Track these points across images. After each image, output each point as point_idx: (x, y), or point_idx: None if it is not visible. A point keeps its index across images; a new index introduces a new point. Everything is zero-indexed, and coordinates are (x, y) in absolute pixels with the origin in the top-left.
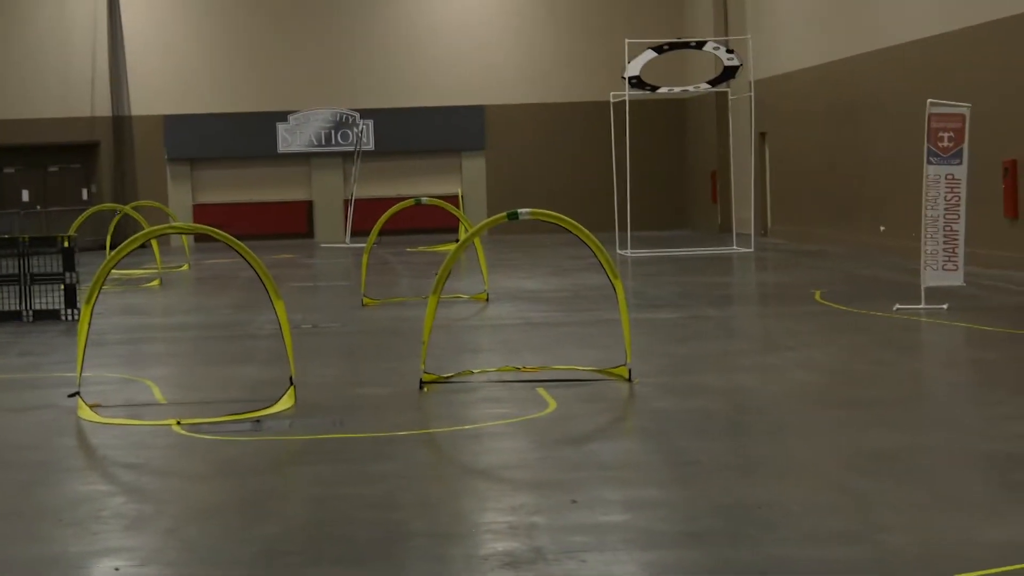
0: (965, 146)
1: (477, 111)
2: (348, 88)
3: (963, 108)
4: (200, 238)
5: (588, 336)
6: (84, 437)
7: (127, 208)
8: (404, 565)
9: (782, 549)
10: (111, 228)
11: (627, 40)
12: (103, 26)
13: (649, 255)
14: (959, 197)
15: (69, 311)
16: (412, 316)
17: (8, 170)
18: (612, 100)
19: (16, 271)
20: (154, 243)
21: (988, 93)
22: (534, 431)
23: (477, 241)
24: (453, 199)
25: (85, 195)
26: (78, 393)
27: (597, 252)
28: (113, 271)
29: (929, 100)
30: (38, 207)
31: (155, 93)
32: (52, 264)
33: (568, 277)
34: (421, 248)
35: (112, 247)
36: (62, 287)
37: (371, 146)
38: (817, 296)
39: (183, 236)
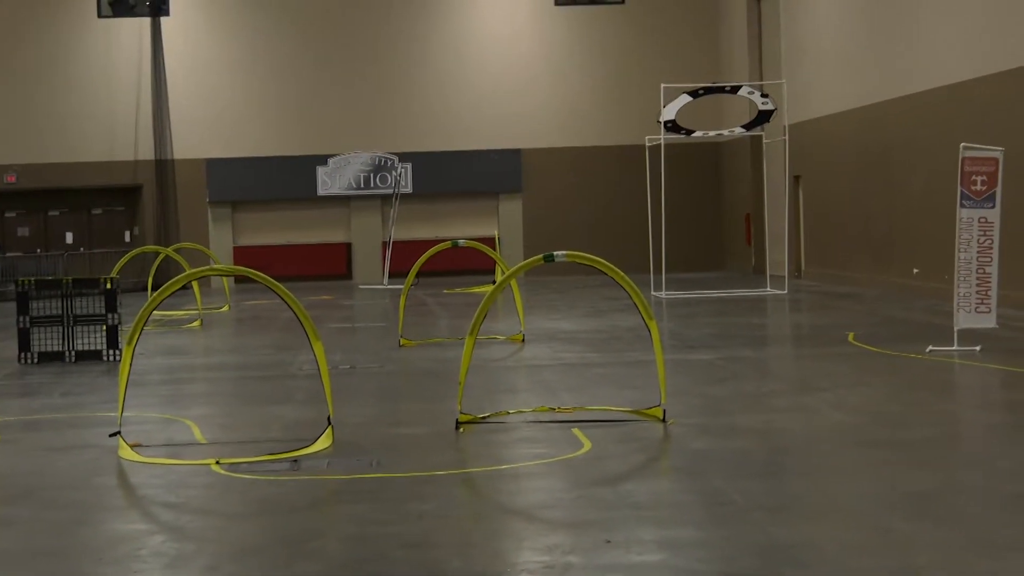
0: (998, 189)
1: (514, 154)
2: (387, 132)
3: (996, 152)
4: (240, 279)
5: (623, 377)
6: (124, 476)
7: (169, 250)
8: None
9: None
10: (153, 270)
11: (663, 85)
12: (147, 71)
13: (684, 296)
14: (992, 240)
15: (111, 352)
16: (449, 357)
17: (53, 213)
18: (648, 144)
19: (60, 312)
20: (195, 285)
21: (1020, 137)
22: (569, 471)
23: (514, 283)
24: (490, 241)
25: (128, 237)
26: (119, 433)
27: (632, 293)
28: (155, 312)
29: (962, 144)
30: (82, 249)
31: (197, 137)
32: (95, 305)
33: (604, 318)
34: (458, 290)
35: (154, 289)
36: (104, 328)
37: (409, 189)
38: (851, 338)
39: (223, 278)
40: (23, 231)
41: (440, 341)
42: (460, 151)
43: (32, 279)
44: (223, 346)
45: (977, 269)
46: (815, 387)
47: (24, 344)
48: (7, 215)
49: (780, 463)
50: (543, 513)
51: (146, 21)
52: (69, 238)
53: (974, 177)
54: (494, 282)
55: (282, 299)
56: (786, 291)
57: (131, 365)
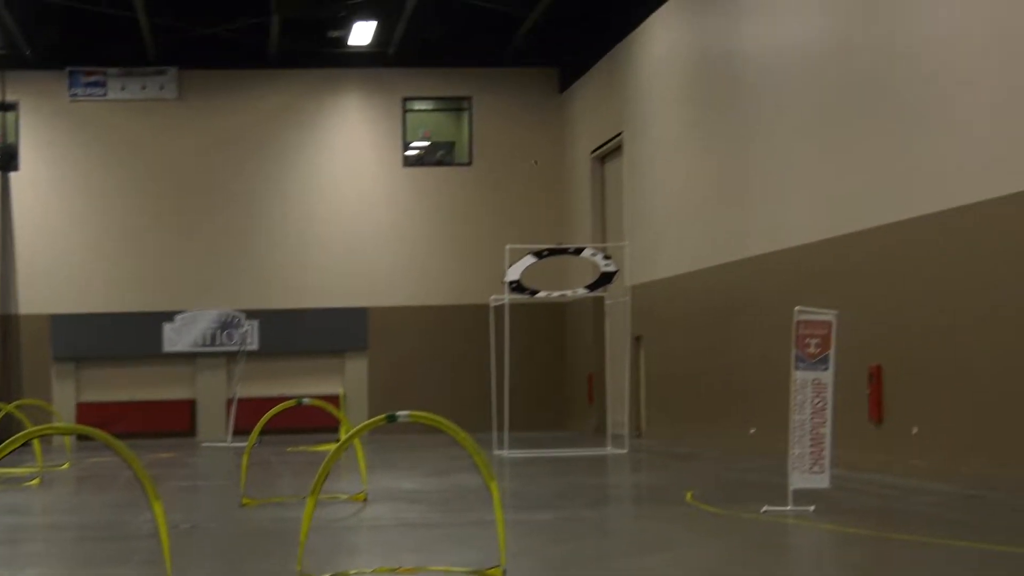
0: (831, 352)
1: (360, 313)
2: (234, 289)
3: (829, 315)
4: (82, 437)
5: (465, 537)
6: None
7: (10, 407)
8: None
9: None
10: None
11: (508, 246)
12: None
13: (526, 456)
14: (825, 401)
15: None
16: (291, 516)
17: None
18: (493, 304)
19: None
20: (35, 442)
21: (854, 300)
22: None
23: (357, 441)
24: (335, 399)
25: None
26: None
27: (473, 453)
28: None
29: (797, 307)
30: None
31: (43, 291)
32: None
33: (446, 478)
34: (302, 448)
35: None
36: None
37: (255, 346)
38: (689, 497)
39: (65, 435)
40: None
41: (282, 500)
42: (306, 309)
43: None
44: (62, 505)
45: (811, 430)
46: (654, 547)
47: None
48: None
49: None
50: None
51: None
52: None
53: (808, 340)
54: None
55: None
56: (626, 450)
57: None
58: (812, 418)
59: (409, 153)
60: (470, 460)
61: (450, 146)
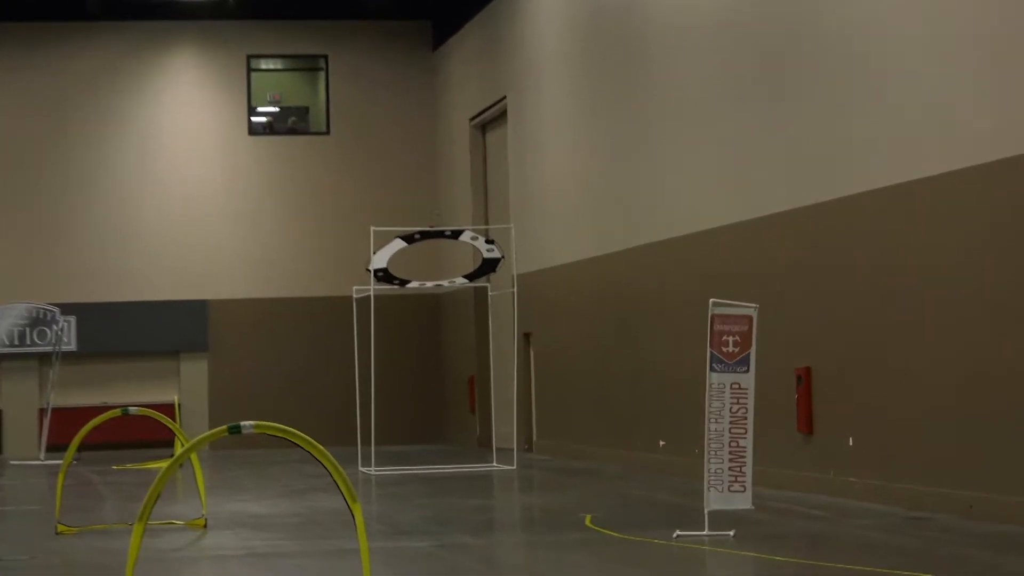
0: (752, 351)
1: (199, 307)
2: (47, 279)
3: (750, 309)
4: None
5: (324, 569)
6: None
7: None
8: None
9: None
10: None
11: (373, 228)
12: None
13: (397, 473)
14: (746, 409)
15: None
16: (116, 547)
17: None
18: (355, 296)
19: None
20: None
21: (777, 292)
22: None
23: (195, 457)
24: (168, 409)
25: None
26: None
27: (332, 471)
28: None
29: (712, 300)
30: None
31: None
32: None
33: (301, 500)
34: (129, 465)
35: None
36: None
37: (73, 346)
38: (588, 521)
39: None
40: None
41: (106, 528)
42: (134, 302)
43: None
44: None
45: (730, 442)
46: None
47: None
48: None
49: None
50: None
51: None
52: None
53: (725, 337)
54: (172, 456)
55: None
56: (515, 466)
57: None
58: (731, 428)
59: (255, 120)
60: (329, 478)
61: (303, 112)
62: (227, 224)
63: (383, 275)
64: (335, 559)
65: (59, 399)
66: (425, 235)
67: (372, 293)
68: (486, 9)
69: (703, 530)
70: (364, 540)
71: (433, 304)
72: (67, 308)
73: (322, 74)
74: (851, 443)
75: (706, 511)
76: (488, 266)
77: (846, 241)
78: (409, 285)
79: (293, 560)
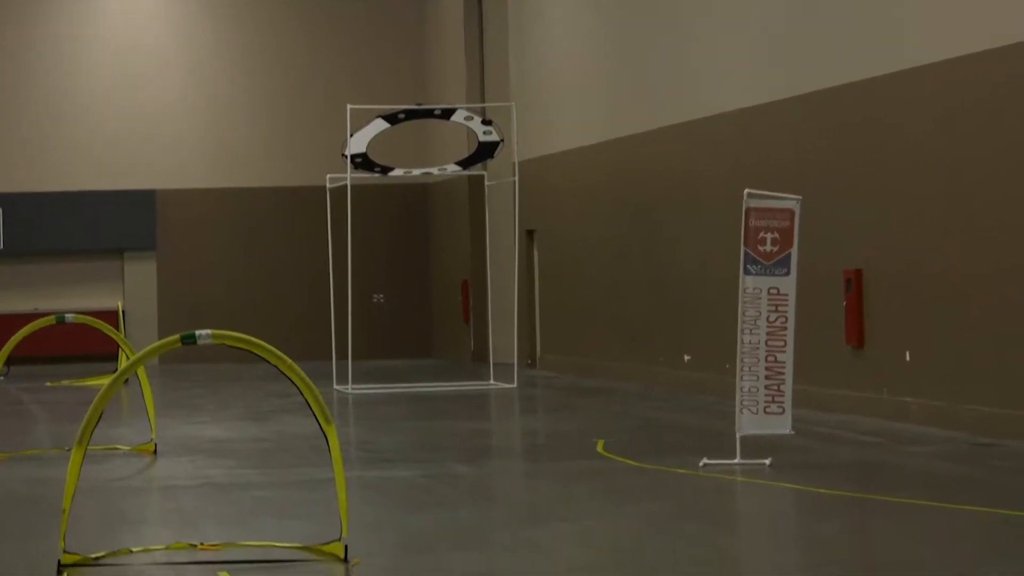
0: (794, 251)
1: (145, 198)
2: None
3: (791, 202)
4: None
5: (292, 502)
6: None
7: None
8: None
9: None
10: None
11: (350, 106)
12: None
13: (378, 392)
14: (786, 318)
15: None
16: (51, 476)
17: None
18: (330, 185)
19: None
20: None
21: (824, 182)
22: None
23: (142, 372)
24: (111, 316)
25: None
26: None
27: (303, 388)
28: None
29: (747, 191)
30: None
31: None
32: None
33: (267, 422)
34: (66, 382)
35: None
36: None
37: None
38: (600, 447)
39: None
40: None
41: (39, 453)
42: (70, 193)
43: None
44: None
45: (766, 356)
46: (552, 516)
47: None
48: None
49: None
50: None
51: None
52: None
53: (762, 235)
54: (116, 370)
55: None
56: (515, 385)
57: None
58: (768, 341)
59: None
60: (299, 398)
61: None
62: (179, 102)
63: (362, 161)
64: (305, 490)
65: None
66: (411, 114)
67: (349, 182)
68: None
69: (734, 458)
70: (340, 469)
71: (421, 196)
72: None
73: None
74: (908, 358)
75: (738, 436)
76: (485, 151)
77: (905, 122)
78: (392, 173)
79: (256, 492)
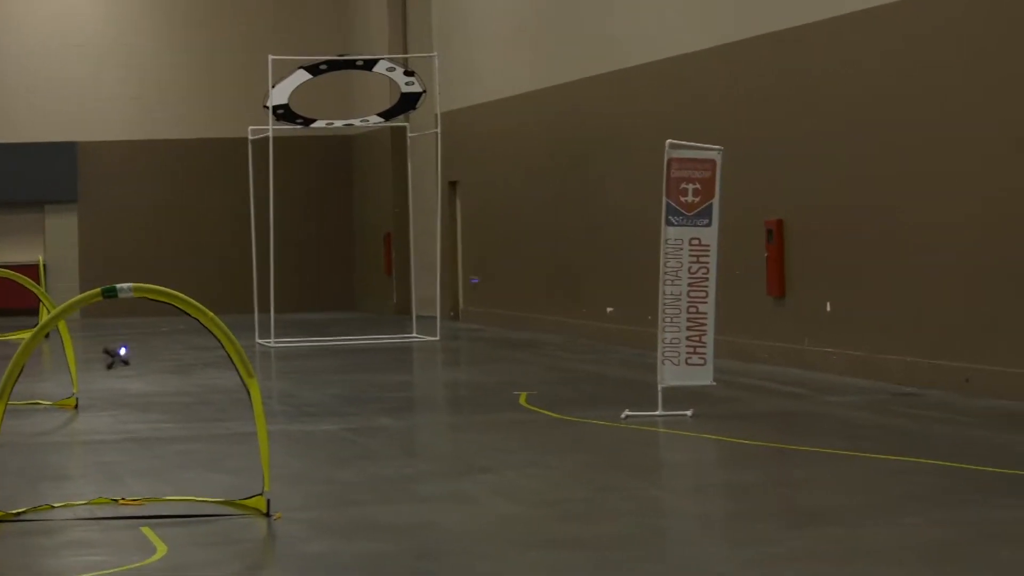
0: (716, 202)
1: (66, 150)
2: None
3: (713, 152)
4: None
5: (214, 456)
6: None
7: None
8: None
9: None
10: None
11: (271, 57)
12: None
13: (301, 346)
14: (708, 269)
15: None
16: None
17: None
18: (251, 137)
19: None
20: None
21: (746, 132)
22: None
23: (63, 326)
24: (31, 270)
25: None
26: None
27: (225, 341)
28: None
29: (668, 141)
30: None
31: None
32: None
33: (189, 376)
34: None
35: None
36: None
37: None
38: (523, 400)
39: None
40: None
41: None
42: None
43: None
44: None
45: (688, 307)
46: (476, 467)
47: None
48: None
49: (428, 572)
50: None
51: None
52: None
53: (684, 185)
54: (36, 325)
55: None
56: (439, 337)
57: None
58: (689, 291)
59: None
60: (220, 351)
61: None
62: (100, 54)
63: (284, 113)
64: (228, 444)
65: None
66: (333, 65)
67: (271, 134)
68: None
69: (656, 410)
70: (262, 422)
71: (343, 147)
72: None
73: None
74: (829, 308)
75: (659, 387)
76: (407, 102)
77: (827, 72)
78: (314, 124)
79: (179, 445)
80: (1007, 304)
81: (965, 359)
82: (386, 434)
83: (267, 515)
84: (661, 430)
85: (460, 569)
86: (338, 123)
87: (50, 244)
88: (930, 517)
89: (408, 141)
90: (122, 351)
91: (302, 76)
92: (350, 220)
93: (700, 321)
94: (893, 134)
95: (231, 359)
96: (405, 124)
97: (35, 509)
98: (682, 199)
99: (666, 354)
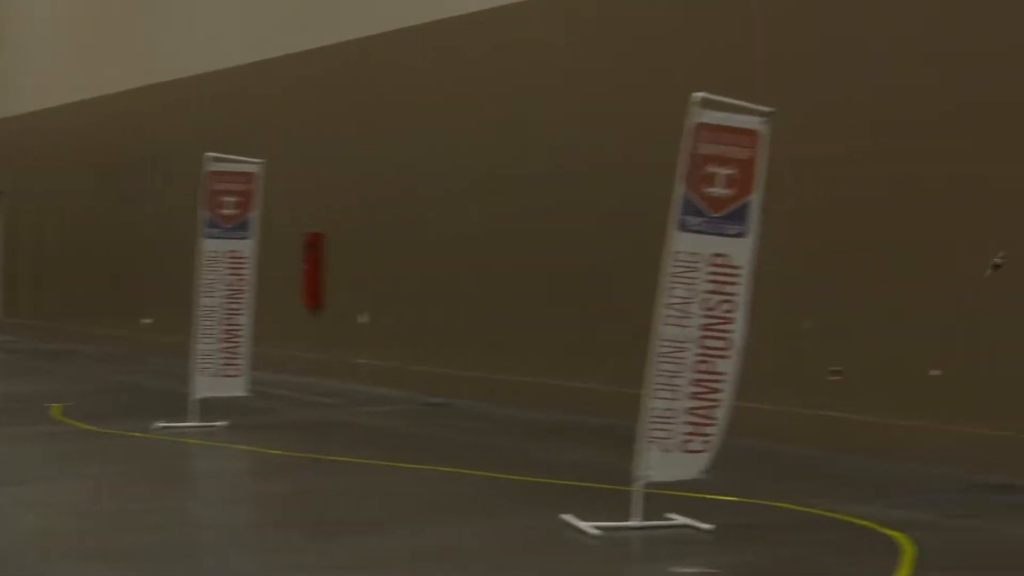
0: (255, 215)
1: None
2: None
3: (254, 165)
4: None
5: None
6: None
7: None
8: None
9: None
10: None
11: None
12: None
13: None
14: (245, 281)
15: None
16: None
17: None
18: None
19: None
20: None
21: (292, 148)
22: None
23: None
24: None
25: None
26: None
27: None
28: None
29: (208, 154)
30: None
31: None
32: None
33: None
34: None
35: None
36: None
37: None
38: (56, 412)
39: None
40: None
41: None
42: None
43: None
44: None
45: (225, 319)
46: (4, 480)
47: None
48: None
49: None
50: None
51: None
52: None
53: (223, 198)
54: None
55: None
56: None
57: None
58: (226, 303)
59: None
60: None
61: None
62: None
63: None
64: None
65: None
66: None
67: None
68: None
69: (191, 420)
70: None
71: None
72: None
73: None
74: (366, 318)
75: (192, 399)
76: None
77: (375, 86)
78: None
79: None
80: (520, 318)
81: (490, 370)
82: None
83: None
84: (194, 441)
85: None
86: None
87: None
88: (455, 525)
89: None
90: None
91: None
92: None
93: (236, 332)
94: (443, 143)
95: None
96: None
97: None
98: (221, 212)
99: (201, 366)
